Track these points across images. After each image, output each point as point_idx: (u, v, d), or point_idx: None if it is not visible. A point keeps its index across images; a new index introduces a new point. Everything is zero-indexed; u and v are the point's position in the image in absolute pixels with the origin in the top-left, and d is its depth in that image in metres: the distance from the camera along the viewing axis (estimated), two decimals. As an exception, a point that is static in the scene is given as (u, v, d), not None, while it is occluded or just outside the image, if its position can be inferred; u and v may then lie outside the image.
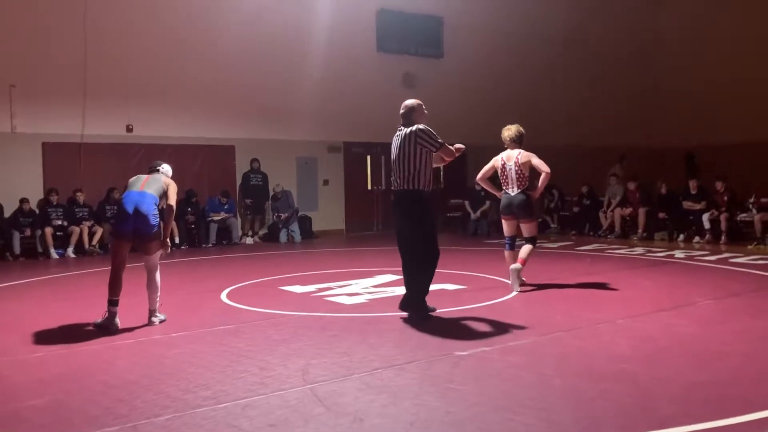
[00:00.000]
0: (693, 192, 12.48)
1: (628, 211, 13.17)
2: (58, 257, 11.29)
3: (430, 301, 5.98)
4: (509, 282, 7.30)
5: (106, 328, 5.49)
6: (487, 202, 13.86)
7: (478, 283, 7.76)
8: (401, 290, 6.06)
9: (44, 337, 5.37)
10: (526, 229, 7.25)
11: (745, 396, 3.65)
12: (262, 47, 13.83)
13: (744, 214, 11.90)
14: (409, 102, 5.99)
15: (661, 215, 12.69)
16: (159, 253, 5.80)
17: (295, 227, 13.80)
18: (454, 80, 16.07)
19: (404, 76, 15.56)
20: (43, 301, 7.27)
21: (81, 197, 11.94)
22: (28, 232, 11.31)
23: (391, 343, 4.94)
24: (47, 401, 3.81)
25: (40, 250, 11.40)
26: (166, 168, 6.17)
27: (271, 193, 14.01)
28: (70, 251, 11.45)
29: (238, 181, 14.03)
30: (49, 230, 11.33)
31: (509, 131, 7.31)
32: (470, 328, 5.48)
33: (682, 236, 12.32)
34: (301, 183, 14.76)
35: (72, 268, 10.10)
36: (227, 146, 13.89)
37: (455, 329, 5.45)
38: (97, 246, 11.77)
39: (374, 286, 7.62)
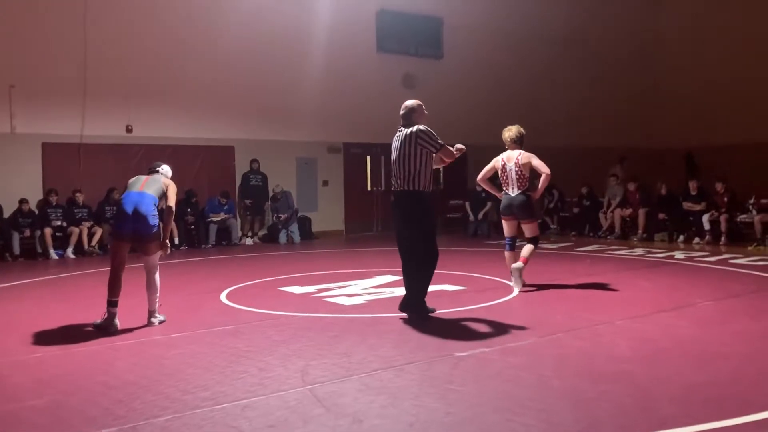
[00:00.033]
0: (693, 193, 12.48)
1: (628, 211, 13.17)
2: (57, 258, 11.28)
3: (429, 302, 5.98)
4: (510, 283, 7.33)
5: (106, 328, 5.49)
6: (489, 204, 13.84)
7: (477, 284, 7.76)
8: (401, 291, 6.06)
9: (43, 338, 5.36)
10: (528, 229, 7.27)
11: (745, 396, 3.65)
12: (261, 47, 13.84)
13: (744, 215, 11.89)
14: (410, 102, 5.99)
15: (661, 216, 12.69)
16: (158, 253, 5.80)
17: (294, 228, 13.79)
18: (454, 81, 16.07)
19: (404, 76, 15.56)
20: (43, 302, 7.26)
21: (80, 198, 11.93)
22: (27, 233, 11.30)
23: (390, 344, 4.94)
24: (46, 402, 3.81)
25: (39, 250, 11.39)
26: (165, 169, 6.17)
27: (271, 193, 14.00)
28: (69, 252, 11.44)
29: (238, 182, 14.03)
30: (48, 231, 11.32)
31: (510, 132, 7.32)
32: (470, 329, 5.48)
33: (682, 237, 12.31)
34: (300, 184, 14.75)
35: (71, 268, 10.09)
36: (227, 147, 13.89)
37: (455, 330, 5.44)
38: (96, 247, 11.76)
39: (374, 287, 7.62)
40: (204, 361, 4.54)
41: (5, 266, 10.49)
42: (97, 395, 3.88)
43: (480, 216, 14.23)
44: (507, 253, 7.37)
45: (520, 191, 7.17)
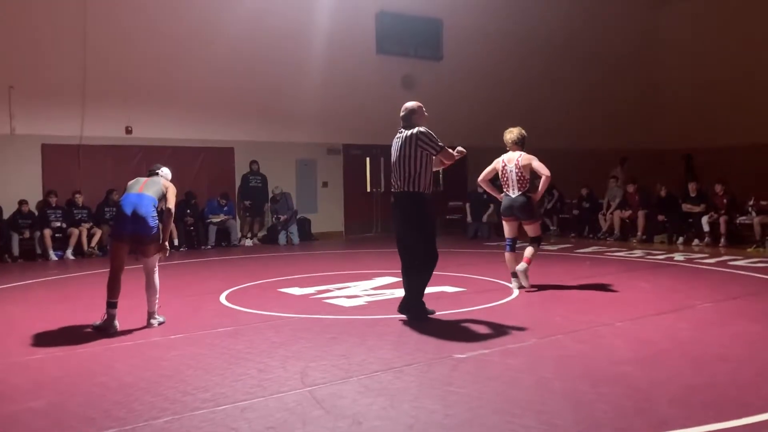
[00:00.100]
0: (692, 195, 12.48)
1: (627, 213, 13.17)
2: (56, 259, 11.28)
3: (429, 303, 5.98)
4: (510, 285, 7.35)
5: (105, 330, 5.49)
6: (491, 206, 13.80)
7: (477, 285, 7.76)
8: (400, 292, 6.06)
9: (42, 339, 5.36)
10: (530, 230, 7.33)
11: (744, 399, 3.65)
12: (261, 49, 13.84)
13: (743, 217, 11.89)
14: (410, 104, 5.99)
15: (661, 218, 12.69)
16: (158, 255, 5.80)
17: (293, 229, 13.79)
18: (454, 82, 16.08)
19: (404, 78, 15.56)
20: (42, 303, 7.26)
21: (80, 199, 11.93)
22: (27, 234, 11.30)
23: (390, 345, 4.94)
24: (45, 403, 3.80)
25: (38, 251, 11.39)
26: (165, 171, 6.17)
27: (270, 195, 14.00)
28: (69, 253, 11.43)
29: (237, 183, 14.03)
30: (48, 232, 11.32)
31: (511, 134, 7.35)
32: (469, 331, 5.47)
33: (681, 239, 12.31)
34: (300, 185, 14.75)
35: (71, 270, 10.09)
36: (226, 148, 13.89)
37: (454, 332, 5.44)
38: (96, 248, 11.75)
39: (373, 288, 7.62)
40: (203, 363, 4.54)
41: (5, 267, 10.49)
42: (97, 397, 3.88)
43: (484, 218, 14.19)
44: (507, 254, 7.39)
45: (520, 192, 7.19)
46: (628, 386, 3.89)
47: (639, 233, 12.78)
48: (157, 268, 5.82)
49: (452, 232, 15.03)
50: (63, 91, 12.10)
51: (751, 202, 11.87)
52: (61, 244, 11.52)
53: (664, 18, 19.21)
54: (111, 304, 5.55)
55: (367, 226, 15.64)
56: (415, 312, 5.81)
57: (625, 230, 13.25)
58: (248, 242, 13.53)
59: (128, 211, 5.61)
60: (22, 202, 11.35)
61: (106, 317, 5.54)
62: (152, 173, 6.12)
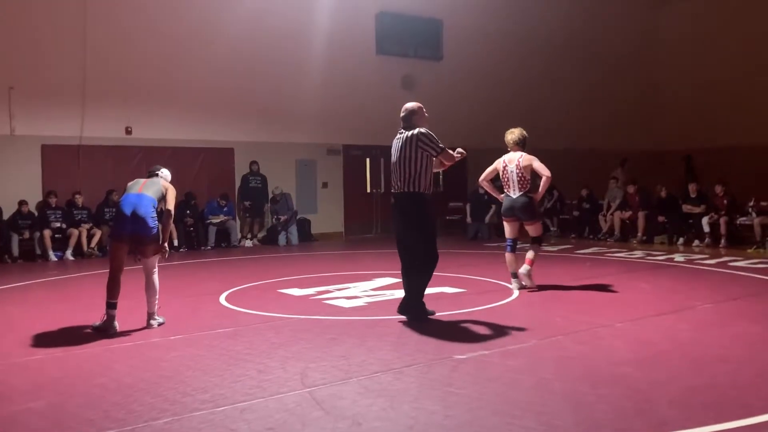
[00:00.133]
0: (693, 195, 12.48)
1: (627, 214, 13.17)
2: (56, 260, 11.28)
3: (429, 304, 5.97)
4: (510, 285, 7.37)
5: (105, 331, 5.48)
6: (493, 206, 13.77)
7: (477, 286, 7.75)
8: (400, 293, 6.05)
9: (42, 340, 5.36)
10: (531, 230, 7.38)
11: (744, 400, 3.65)
12: (261, 49, 13.84)
13: (743, 218, 11.89)
14: (410, 105, 5.98)
15: (661, 219, 12.69)
16: (157, 256, 5.79)
17: (293, 229, 13.78)
18: (454, 83, 16.08)
19: (404, 78, 15.56)
20: (42, 304, 7.26)
21: (80, 199, 11.93)
22: (26, 235, 11.30)
23: (389, 346, 4.93)
24: (44, 404, 3.80)
25: (38, 252, 11.38)
26: (165, 172, 6.17)
27: (270, 195, 14.00)
28: (68, 254, 11.43)
29: (237, 184, 14.03)
30: (47, 232, 11.31)
31: (512, 134, 7.37)
32: (469, 332, 5.47)
33: (681, 240, 12.32)
34: (300, 186, 14.75)
35: (70, 270, 10.09)
36: (226, 149, 13.89)
37: (454, 332, 5.44)
38: (95, 248, 11.75)
39: (373, 289, 7.61)
40: (203, 364, 4.54)
41: (4, 268, 10.49)
42: (96, 398, 3.87)
43: (486, 219, 14.18)
44: (508, 255, 7.39)
45: (521, 193, 7.21)
46: (628, 387, 3.88)
47: (639, 234, 12.78)
48: (156, 269, 5.82)
49: (452, 232, 15.02)
50: (63, 92, 12.11)
51: (751, 203, 11.87)
52: (60, 244, 11.53)
53: (664, 18, 19.20)
54: (110, 305, 5.54)
55: (367, 226, 15.64)
56: (415, 313, 5.81)
57: (625, 231, 13.24)
58: (248, 243, 13.53)
59: (128, 211, 5.60)
60: (21, 203, 11.35)
61: (105, 318, 5.54)
62: (152, 174, 6.12)
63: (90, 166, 12.43)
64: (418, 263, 5.80)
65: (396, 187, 5.85)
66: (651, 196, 13.21)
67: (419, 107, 5.95)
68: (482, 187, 7.83)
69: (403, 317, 5.81)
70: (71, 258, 11.39)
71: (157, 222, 5.72)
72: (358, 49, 15.15)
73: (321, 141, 14.94)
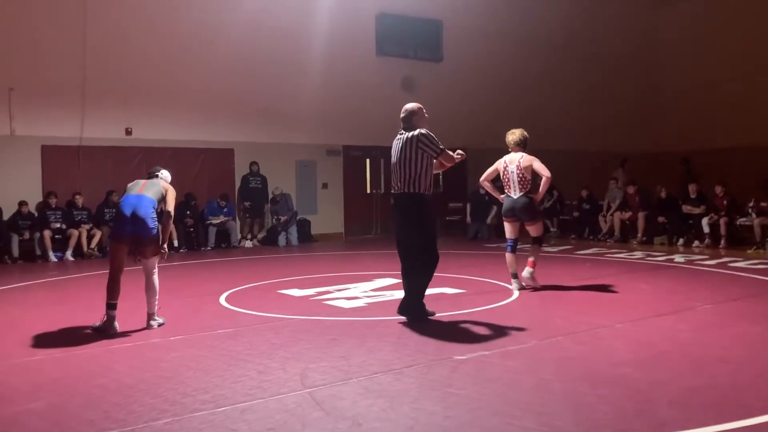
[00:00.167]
0: (692, 196, 12.48)
1: (627, 215, 13.17)
2: (56, 260, 11.27)
3: (429, 305, 5.97)
4: (510, 286, 7.40)
5: (105, 331, 5.48)
6: (494, 208, 13.76)
7: (477, 287, 7.75)
8: (400, 294, 6.05)
9: (42, 341, 5.36)
10: (532, 230, 7.43)
11: (744, 400, 3.65)
12: (261, 50, 13.85)
13: (743, 219, 11.89)
14: (410, 106, 5.99)
15: (661, 219, 12.69)
16: (157, 257, 5.79)
17: (292, 230, 13.78)
18: (454, 84, 16.08)
19: (403, 79, 15.56)
20: (42, 305, 7.26)
21: (80, 200, 11.93)
22: (26, 235, 11.30)
23: (389, 347, 4.93)
24: (44, 405, 3.80)
25: (38, 253, 11.38)
26: (165, 174, 6.17)
27: (270, 196, 14.00)
28: (68, 254, 11.43)
29: (237, 184, 14.03)
30: (47, 233, 11.31)
31: (513, 135, 7.41)
32: (469, 332, 5.47)
33: (681, 240, 12.32)
34: (300, 186, 14.75)
35: (70, 271, 10.09)
36: (226, 149, 13.89)
37: (454, 333, 5.44)
38: (95, 249, 11.75)
39: (373, 289, 7.62)
40: (203, 364, 4.54)
41: (4, 268, 10.49)
42: (96, 398, 3.88)
43: (489, 220, 14.17)
44: (508, 255, 7.41)
45: (522, 193, 7.23)
46: (628, 388, 3.88)
47: (639, 235, 12.78)
48: (156, 270, 5.82)
49: (452, 233, 15.02)
50: (63, 92, 12.11)
51: (751, 204, 11.87)
52: (60, 245, 11.52)
53: (664, 18, 19.20)
54: (110, 306, 5.54)
55: (367, 227, 15.64)
56: (415, 313, 5.81)
57: (625, 232, 13.24)
58: (248, 243, 13.53)
59: (127, 212, 5.60)
60: (21, 204, 11.35)
61: (105, 318, 5.54)
62: (152, 175, 6.12)
63: (90, 166, 12.42)
64: (418, 264, 5.80)
65: (396, 187, 5.85)
66: (651, 197, 13.21)
67: (419, 108, 5.95)
68: (483, 188, 7.86)
69: (403, 318, 5.81)
70: (71, 259, 11.39)
71: (157, 223, 5.72)
72: (359, 50, 15.15)
73: (321, 142, 14.95)
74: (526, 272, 7.32)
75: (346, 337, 5.24)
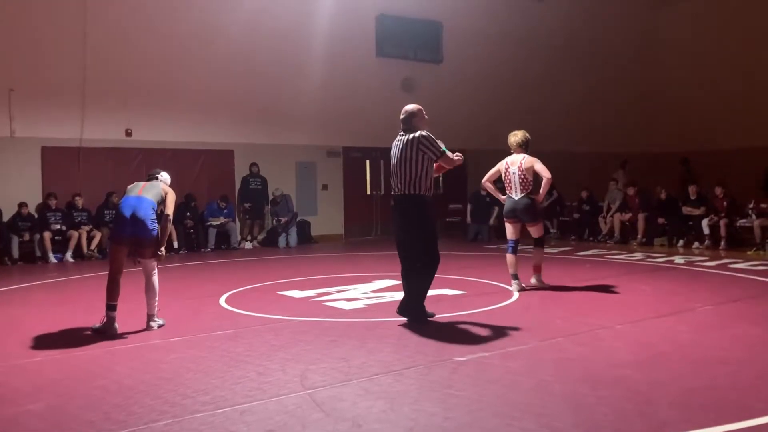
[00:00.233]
0: (692, 197, 12.48)
1: (627, 216, 13.17)
2: (56, 262, 11.27)
3: (429, 306, 5.97)
4: (510, 287, 7.42)
5: (105, 332, 5.48)
6: (496, 208, 13.74)
7: (477, 288, 7.75)
8: (400, 295, 6.05)
9: (42, 342, 5.36)
10: (533, 231, 7.49)
11: (744, 401, 3.65)
12: (261, 51, 13.85)
13: (743, 220, 11.88)
14: (410, 107, 5.99)
15: (661, 221, 12.69)
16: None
17: (291, 231, 13.77)
18: (454, 85, 16.09)
19: (403, 81, 15.57)
20: (42, 306, 7.26)
21: (80, 201, 11.93)
22: (26, 237, 11.30)
23: (389, 348, 4.93)
24: (45, 406, 3.80)
25: (38, 254, 11.39)
26: (164, 176, 6.17)
27: (271, 197, 14.00)
28: (68, 256, 11.43)
29: (237, 186, 14.03)
30: (47, 234, 11.31)
31: (515, 137, 7.45)
32: (469, 334, 5.47)
33: (681, 242, 12.31)
34: (300, 188, 14.76)
35: (70, 272, 10.09)
36: (226, 150, 13.90)
37: (454, 334, 5.44)
38: (95, 250, 11.75)
39: (373, 291, 7.62)
40: (203, 366, 4.54)
41: (4, 270, 10.49)
42: (96, 399, 3.88)
43: (491, 221, 14.17)
44: (509, 256, 7.42)
45: (523, 194, 7.26)
46: (628, 389, 3.88)
47: (639, 236, 12.77)
48: (156, 271, 5.82)
49: (452, 234, 15.02)
50: (63, 94, 12.11)
51: (751, 205, 11.87)
52: (60, 246, 11.52)
53: (664, 18, 19.19)
54: (110, 307, 5.55)
55: (366, 228, 15.64)
56: (414, 314, 5.81)
57: (625, 233, 13.24)
58: (248, 245, 13.52)
59: (127, 213, 5.61)
60: (21, 205, 11.34)
61: (105, 320, 5.54)
62: (151, 177, 6.12)
63: (90, 168, 12.42)
64: (419, 265, 5.80)
65: (396, 189, 5.85)
66: (651, 198, 13.21)
67: (419, 110, 5.96)
68: (485, 189, 7.90)
69: (403, 319, 5.81)
70: (71, 260, 11.39)
71: (156, 224, 5.72)
72: (358, 52, 15.16)
73: (321, 143, 14.95)
74: (533, 279, 7.50)
75: (346, 339, 5.24)
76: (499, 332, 5.40)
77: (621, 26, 18.64)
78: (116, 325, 5.54)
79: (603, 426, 3.33)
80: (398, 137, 5.90)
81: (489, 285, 7.92)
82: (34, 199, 11.78)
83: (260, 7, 13.68)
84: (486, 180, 7.62)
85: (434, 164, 5.85)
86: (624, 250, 11.75)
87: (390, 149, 5.96)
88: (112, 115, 12.55)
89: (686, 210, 12.41)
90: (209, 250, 12.87)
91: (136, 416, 3.57)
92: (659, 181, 14.06)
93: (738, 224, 11.91)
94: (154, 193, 5.83)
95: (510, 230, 7.43)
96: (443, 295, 7.13)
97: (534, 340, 5.12)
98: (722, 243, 11.65)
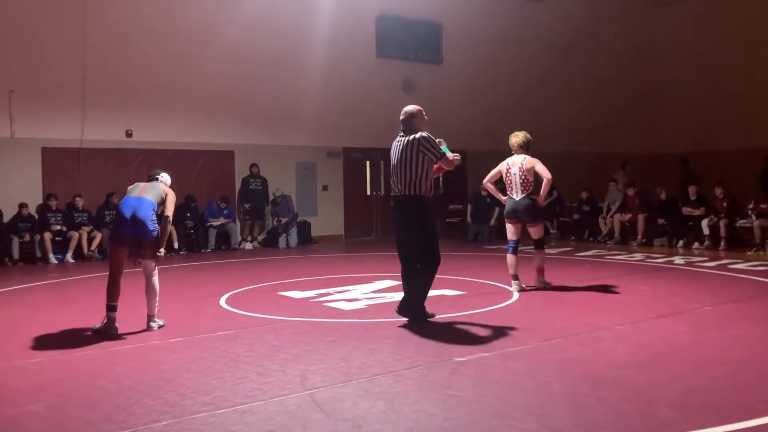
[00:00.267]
0: (692, 198, 12.48)
1: (627, 217, 13.17)
2: (56, 262, 11.28)
3: (429, 307, 5.97)
4: (510, 288, 7.43)
5: (105, 333, 5.49)
6: (497, 209, 13.74)
7: (477, 288, 7.76)
8: (400, 296, 6.05)
9: (42, 343, 5.36)
10: (534, 231, 7.52)
11: (744, 402, 3.65)
12: (261, 52, 13.85)
13: (743, 220, 11.88)
14: (410, 108, 5.99)
15: (661, 221, 12.69)
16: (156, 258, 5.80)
17: (291, 232, 13.78)
18: (454, 86, 16.09)
19: (403, 81, 15.57)
20: (42, 307, 7.25)
21: (80, 202, 11.93)
22: (27, 237, 11.30)
23: (389, 348, 4.93)
24: (45, 407, 3.80)
25: (39, 255, 11.39)
26: (165, 177, 6.17)
27: (271, 197, 14.01)
28: (68, 256, 11.43)
29: (238, 186, 14.03)
30: (48, 235, 11.32)
31: (517, 138, 7.49)
32: (469, 334, 5.47)
33: (681, 242, 12.31)
34: (300, 188, 14.76)
35: (71, 273, 10.09)
36: (226, 151, 13.90)
37: (454, 335, 5.44)
38: (95, 251, 11.75)
39: (373, 291, 7.62)
40: (203, 366, 4.54)
41: (5, 271, 10.49)
42: (96, 400, 3.88)
43: (492, 221, 14.16)
44: (509, 256, 7.44)
45: (524, 195, 7.28)
46: (628, 389, 3.88)
47: (639, 236, 12.78)
48: (156, 272, 5.82)
49: (452, 235, 15.02)
50: (63, 95, 12.11)
51: (751, 206, 11.87)
52: (61, 247, 11.52)
53: (664, 18, 19.18)
54: (111, 308, 5.55)
55: (367, 229, 15.64)
56: (415, 315, 5.81)
57: (625, 233, 13.24)
58: (248, 245, 13.53)
59: (127, 214, 5.61)
60: (22, 206, 11.35)
61: (105, 320, 5.54)
62: (152, 178, 6.13)
63: (90, 168, 12.43)
64: (419, 266, 5.80)
65: (396, 190, 5.86)
66: (651, 199, 13.21)
67: (419, 110, 5.96)
68: (486, 190, 7.92)
69: (403, 319, 5.81)
70: (71, 261, 11.39)
71: (156, 225, 5.72)
72: (359, 52, 15.16)
73: (321, 144, 14.95)
74: (537, 282, 7.54)
75: (346, 339, 5.24)
76: (499, 333, 5.41)
77: (621, 26, 18.64)
78: (116, 325, 5.54)
79: (603, 426, 3.33)
80: (398, 138, 5.90)
81: (489, 285, 7.93)
82: (34, 199, 11.78)
83: (260, 8, 13.69)
84: (487, 181, 7.68)
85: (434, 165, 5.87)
86: (624, 251, 11.75)
87: (390, 150, 5.97)
88: (112, 115, 12.56)
89: (686, 210, 12.41)
90: (209, 250, 12.87)
91: (137, 417, 3.58)
92: (659, 182, 14.05)
93: (738, 225, 11.91)
94: (155, 193, 5.83)
95: (511, 231, 7.45)
96: (443, 296, 7.13)
97: (534, 340, 5.12)
98: (722, 243, 11.65)
